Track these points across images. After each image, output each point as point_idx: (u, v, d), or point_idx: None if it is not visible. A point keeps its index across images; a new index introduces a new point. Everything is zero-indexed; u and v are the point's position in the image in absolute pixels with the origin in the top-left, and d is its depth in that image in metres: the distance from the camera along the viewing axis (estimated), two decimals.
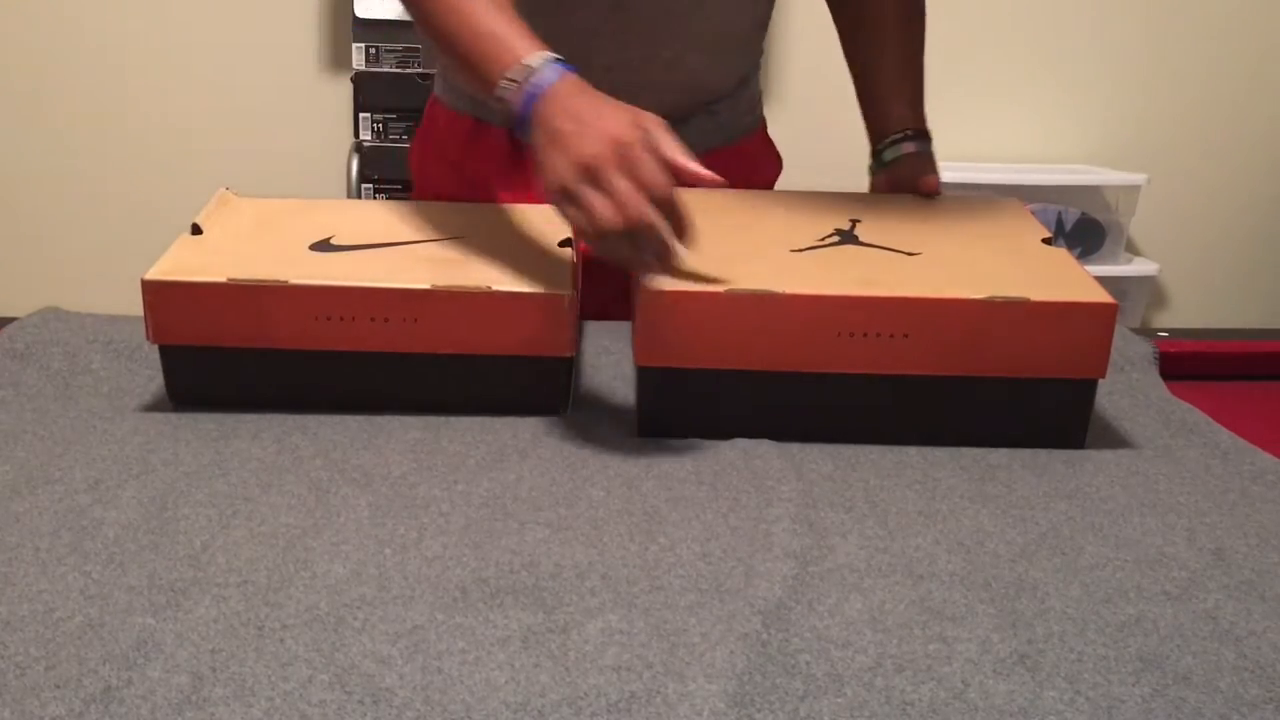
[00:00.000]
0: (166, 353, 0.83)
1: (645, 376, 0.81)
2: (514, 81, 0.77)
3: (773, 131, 1.22)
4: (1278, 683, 0.55)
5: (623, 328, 1.03)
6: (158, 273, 0.80)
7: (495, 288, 0.81)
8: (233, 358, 0.82)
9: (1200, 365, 1.06)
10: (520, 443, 0.80)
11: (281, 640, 0.56)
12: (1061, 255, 0.88)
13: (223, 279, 0.80)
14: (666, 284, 0.78)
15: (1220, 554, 0.68)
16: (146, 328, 0.81)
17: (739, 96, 1.13)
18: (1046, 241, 0.92)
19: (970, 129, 2.52)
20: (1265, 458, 0.82)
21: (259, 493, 0.71)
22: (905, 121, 1.07)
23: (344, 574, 0.62)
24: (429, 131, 1.17)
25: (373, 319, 0.80)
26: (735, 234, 0.89)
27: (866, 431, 0.82)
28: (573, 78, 0.77)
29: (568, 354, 0.83)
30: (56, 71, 2.34)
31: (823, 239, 0.89)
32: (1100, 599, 0.63)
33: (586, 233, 0.74)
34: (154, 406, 0.84)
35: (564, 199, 0.74)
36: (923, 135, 1.07)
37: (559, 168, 0.73)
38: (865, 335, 0.78)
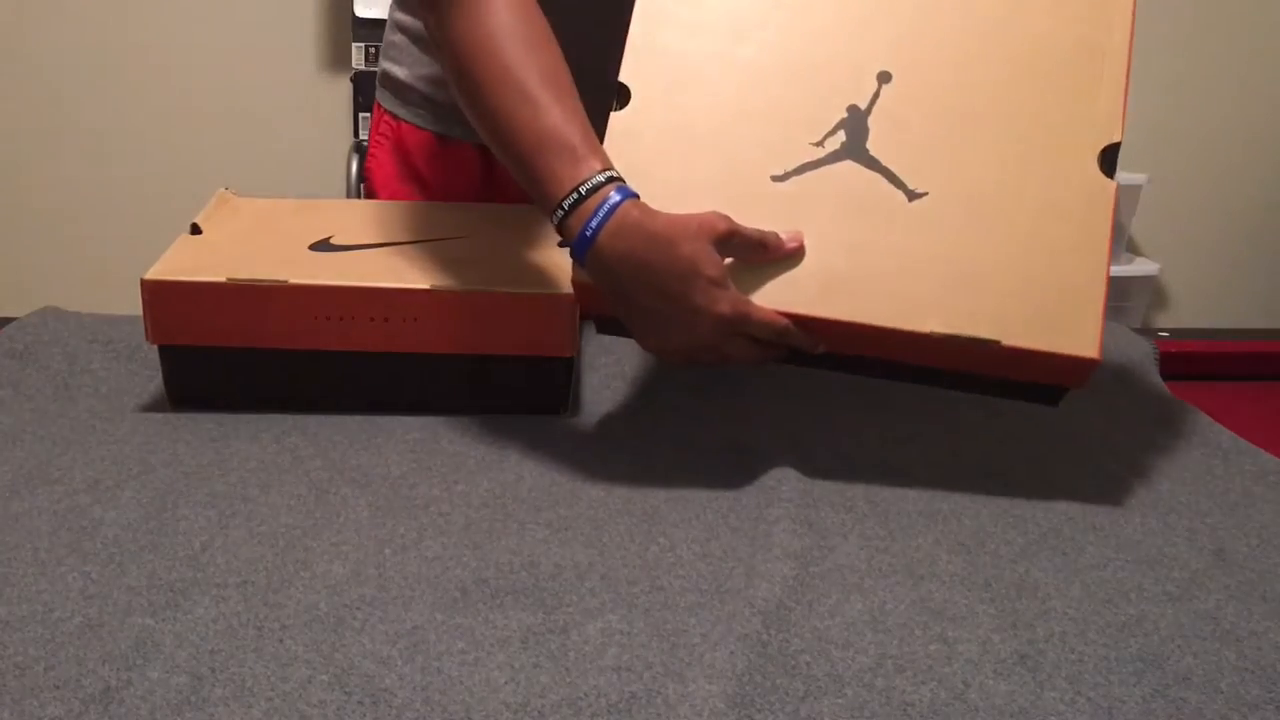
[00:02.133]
0: (166, 353, 0.83)
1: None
2: (571, 210, 0.72)
3: None
4: (1278, 683, 0.55)
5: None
6: (157, 273, 0.80)
7: (495, 288, 0.81)
8: (232, 358, 0.82)
9: (1200, 365, 1.06)
10: (520, 443, 0.80)
11: (281, 640, 0.56)
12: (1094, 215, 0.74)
13: (222, 279, 0.79)
14: None
15: (1221, 554, 0.68)
16: (146, 328, 0.81)
17: None
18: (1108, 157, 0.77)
19: None
20: (1266, 458, 0.82)
21: (258, 493, 0.71)
22: None
23: (344, 574, 0.62)
24: (384, 147, 1.11)
25: (372, 319, 0.80)
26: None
27: None
28: (636, 214, 0.71)
29: (568, 354, 0.83)
30: (56, 71, 2.34)
31: (820, 141, 0.76)
32: (1101, 599, 0.62)
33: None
34: (153, 407, 0.84)
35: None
36: None
37: (656, 348, 0.75)
38: None
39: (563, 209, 0.71)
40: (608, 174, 0.72)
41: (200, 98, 2.37)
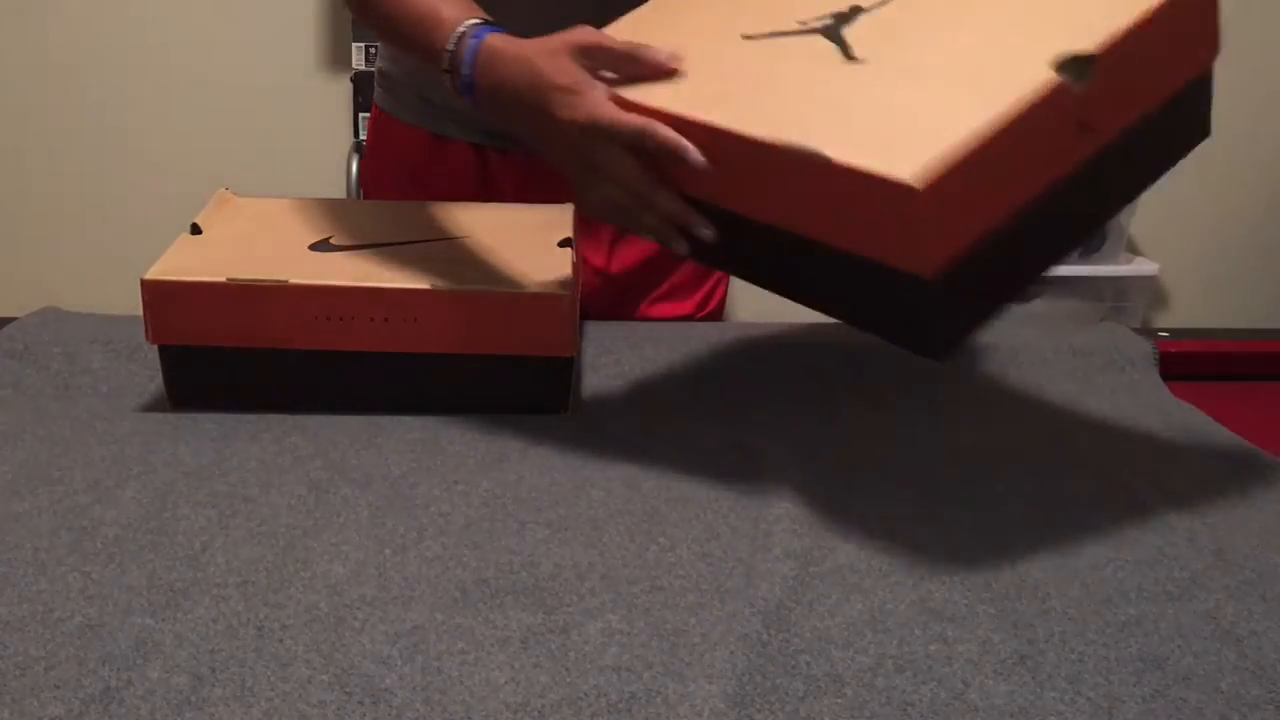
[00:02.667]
0: (166, 353, 0.83)
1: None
2: (450, 52, 0.76)
3: None
4: (1279, 683, 0.55)
5: (623, 327, 1.03)
6: (157, 273, 0.80)
7: (495, 288, 0.81)
8: (232, 358, 0.82)
9: (1200, 365, 1.06)
10: (520, 443, 0.80)
11: (281, 641, 0.56)
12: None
13: (222, 279, 0.79)
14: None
15: (1221, 554, 0.68)
16: (146, 328, 0.81)
17: None
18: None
19: None
20: (1266, 458, 0.82)
21: (258, 493, 0.71)
22: None
23: (344, 574, 0.62)
24: (380, 147, 1.13)
25: (373, 319, 0.80)
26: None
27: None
28: (495, 45, 0.74)
29: (568, 354, 0.83)
30: (56, 71, 2.34)
31: (806, 21, 0.74)
32: (1101, 599, 0.62)
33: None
34: (153, 407, 0.84)
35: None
36: None
37: (554, 162, 0.74)
38: None
39: (447, 73, 0.75)
40: (470, 22, 0.76)
41: (200, 97, 2.37)
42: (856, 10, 0.74)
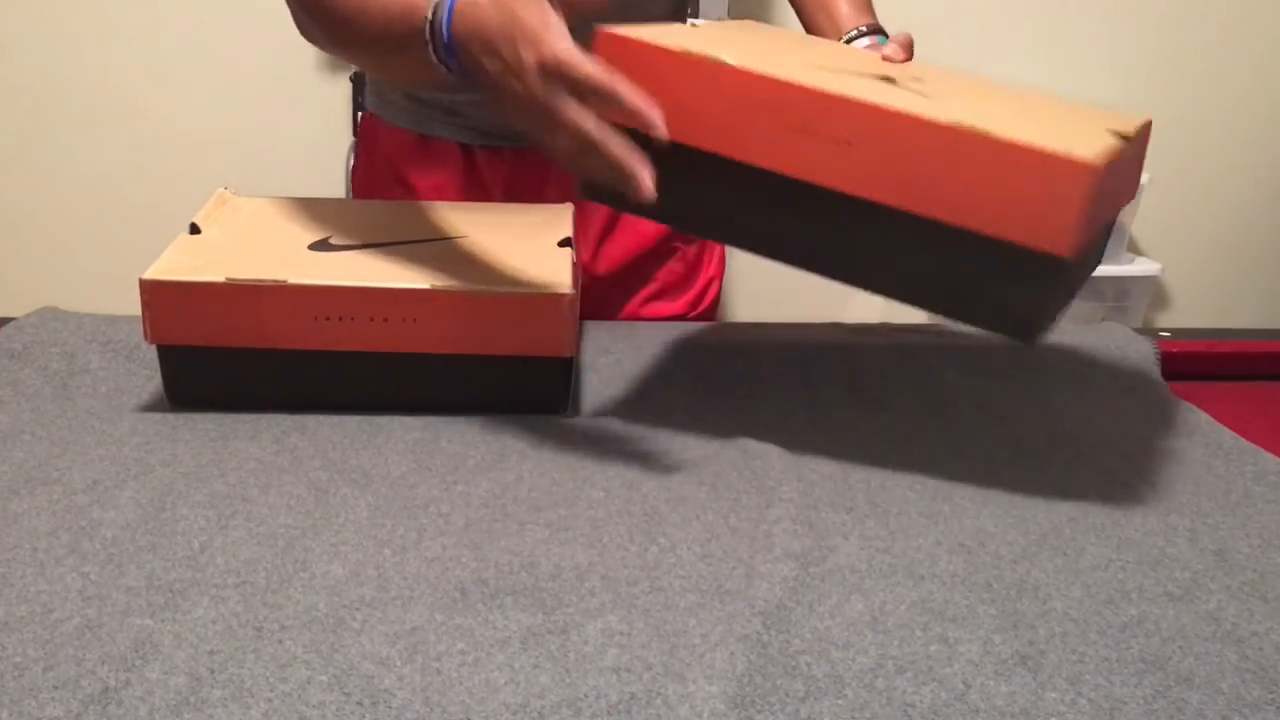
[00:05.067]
0: (165, 353, 0.82)
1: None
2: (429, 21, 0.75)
3: None
4: (1279, 683, 0.55)
5: (622, 327, 1.03)
6: (156, 272, 0.80)
7: (495, 288, 0.81)
8: (231, 358, 0.82)
9: (1202, 365, 1.06)
10: (520, 443, 0.79)
11: (280, 641, 0.56)
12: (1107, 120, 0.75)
13: (221, 279, 0.79)
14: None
15: (1222, 555, 0.68)
16: (144, 328, 0.81)
17: None
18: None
19: None
20: (1267, 458, 0.82)
21: (258, 493, 0.71)
22: (855, 20, 0.99)
23: (343, 574, 0.62)
24: (369, 149, 1.14)
25: (372, 319, 0.80)
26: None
27: (811, 259, 0.73)
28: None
29: (567, 354, 0.83)
30: (56, 71, 2.33)
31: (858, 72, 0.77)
32: (1102, 600, 0.62)
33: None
34: (152, 407, 0.84)
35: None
36: (876, 31, 0.98)
37: (512, 115, 0.72)
38: (805, 133, 0.68)
39: (426, 39, 0.74)
40: None
41: (201, 97, 2.37)
42: (891, 79, 0.76)
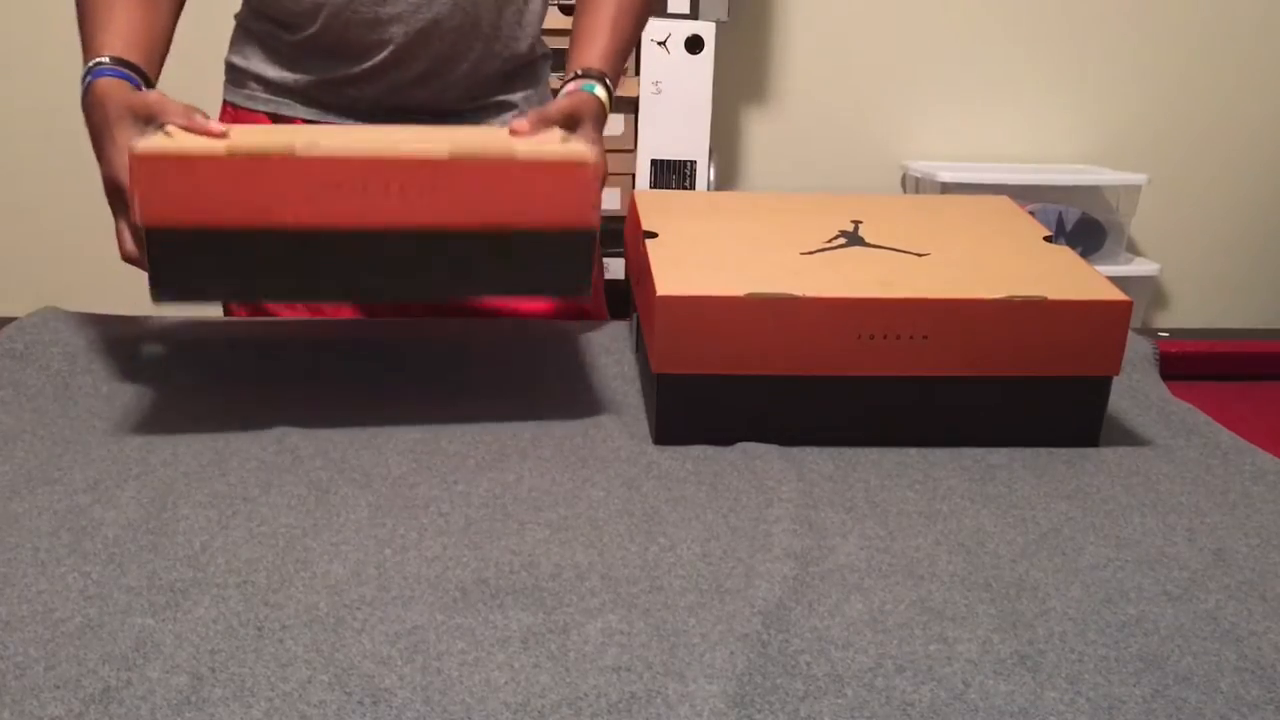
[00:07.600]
0: (154, 236, 0.74)
1: (664, 384, 0.80)
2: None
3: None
4: (1278, 683, 0.55)
5: (622, 327, 1.03)
6: (150, 146, 0.73)
7: (516, 154, 0.77)
8: (230, 241, 0.75)
9: (1201, 365, 1.06)
10: (520, 443, 0.80)
11: (281, 641, 0.56)
12: (1066, 253, 0.88)
13: (222, 151, 0.73)
14: (682, 288, 0.77)
15: (1221, 554, 0.68)
16: (133, 206, 0.74)
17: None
18: (1047, 239, 0.91)
19: (971, 129, 2.52)
20: (1266, 458, 0.82)
21: (259, 493, 0.71)
22: (583, 63, 1.03)
23: (344, 574, 0.62)
24: None
25: (387, 187, 0.74)
26: (740, 237, 0.89)
27: (885, 434, 0.82)
28: (99, 88, 0.86)
29: (590, 225, 0.79)
30: (56, 71, 2.33)
31: (829, 241, 0.89)
32: (1101, 599, 0.62)
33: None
34: (153, 407, 0.84)
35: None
36: (593, 77, 1.01)
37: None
38: (885, 337, 0.78)
39: (81, 78, 0.88)
40: (95, 60, 0.89)
41: (200, 97, 2.37)
42: (849, 232, 0.92)
